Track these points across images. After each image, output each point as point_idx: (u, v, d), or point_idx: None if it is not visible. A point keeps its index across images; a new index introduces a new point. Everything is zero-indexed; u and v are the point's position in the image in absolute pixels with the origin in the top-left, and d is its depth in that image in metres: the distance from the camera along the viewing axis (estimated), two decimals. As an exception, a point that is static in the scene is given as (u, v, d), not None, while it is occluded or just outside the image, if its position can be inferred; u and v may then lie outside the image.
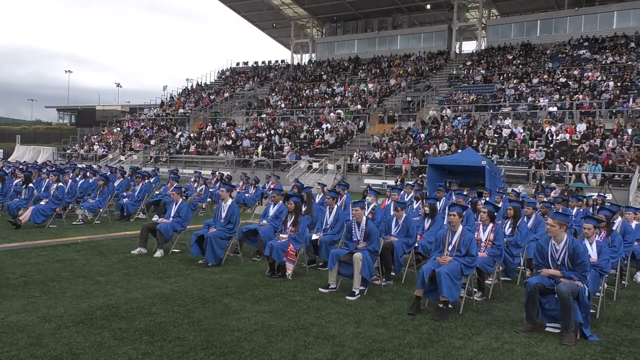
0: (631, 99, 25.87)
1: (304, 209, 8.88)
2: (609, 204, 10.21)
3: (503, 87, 31.75)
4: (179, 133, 37.91)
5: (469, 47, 47.18)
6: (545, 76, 31.70)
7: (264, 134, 33.70)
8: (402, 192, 12.64)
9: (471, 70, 36.05)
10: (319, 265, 8.73)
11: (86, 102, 77.34)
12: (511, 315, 6.38)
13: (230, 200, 9.05)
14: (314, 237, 8.61)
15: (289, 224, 8.25)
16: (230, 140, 33.72)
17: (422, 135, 27.81)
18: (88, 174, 15.70)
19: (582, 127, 24.34)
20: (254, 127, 35.64)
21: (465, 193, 12.41)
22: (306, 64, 49.19)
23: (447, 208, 8.14)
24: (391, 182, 22.13)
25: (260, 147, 31.43)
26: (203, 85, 48.97)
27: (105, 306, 6.03)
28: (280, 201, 9.68)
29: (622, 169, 20.55)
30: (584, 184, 20.34)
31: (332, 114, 34.08)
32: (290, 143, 31.05)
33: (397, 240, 8.10)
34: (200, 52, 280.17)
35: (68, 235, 10.69)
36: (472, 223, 9.22)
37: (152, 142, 37.48)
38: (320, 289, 7.14)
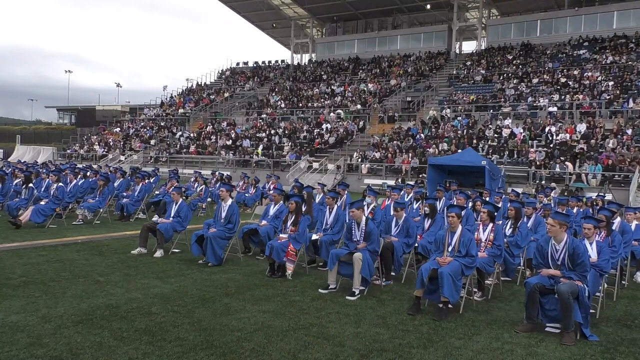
0: (631, 99, 25.87)
1: (304, 209, 8.88)
2: (608, 204, 10.20)
3: (503, 87, 31.75)
4: (179, 133, 37.90)
5: (469, 47, 47.32)
6: (545, 76, 31.70)
7: (264, 134, 33.71)
8: (402, 192, 12.65)
9: (471, 70, 36.06)
10: (319, 265, 8.73)
11: (86, 102, 77.40)
12: (511, 315, 6.38)
13: (230, 200, 9.05)
14: (314, 237, 8.61)
15: (289, 223, 8.25)
16: (230, 140, 33.72)
17: (422, 135, 27.81)
18: (88, 173, 15.71)
19: (582, 127, 24.34)
20: (254, 127, 35.65)
21: (468, 193, 12.40)
22: (306, 64, 49.20)
23: (445, 209, 8.15)
24: (391, 182, 22.14)
25: (260, 147, 31.44)
26: (203, 85, 48.97)
27: (105, 306, 6.03)
28: (281, 201, 9.68)
29: (622, 169, 20.55)
30: (584, 184, 20.35)
31: (332, 114, 34.08)
32: (290, 143, 31.06)
33: (397, 240, 8.10)
34: (200, 52, 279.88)
35: (68, 235, 10.68)
36: (472, 223, 9.22)
37: (152, 142, 37.48)
38: (320, 290, 7.14)
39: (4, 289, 6.55)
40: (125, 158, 34.75)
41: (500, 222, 8.42)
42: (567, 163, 21.55)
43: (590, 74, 30.06)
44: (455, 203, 9.71)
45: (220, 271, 8.07)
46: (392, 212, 8.69)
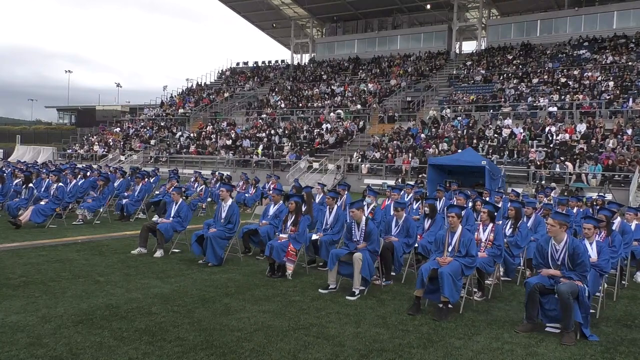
0: (631, 99, 25.87)
1: (304, 208, 8.88)
2: (608, 204, 10.20)
3: (503, 87, 31.75)
4: (179, 133, 37.90)
5: (469, 47, 47.33)
6: (545, 76, 31.70)
7: (264, 134, 33.71)
8: (402, 192, 12.65)
9: (471, 70, 36.06)
10: (319, 265, 8.73)
11: (86, 102, 77.42)
12: (511, 315, 6.38)
13: (230, 200, 9.05)
14: (314, 237, 8.61)
15: (289, 223, 8.25)
16: (230, 140, 33.72)
17: (422, 135, 27.81)
18: (88, 173, 15.71)
19: (582, 127, 24.34)
20: (254, 127, 35.65)
21: (468, 193, 12.39)
22: (306, 64, 49.20)
23: (445, 209, 8.14)
24: (391, 182, 22.14)
25: (260, 147, 31.44)
26: (203, 85, 48.97)
27: (105, 306, 6.03)
28: (280, 201, 9.68)
29: (622, 169, 20.55)
30: (584, 184, 20.35)
31: (332, 114, 34.08)
32: (290, 143, 31.06)
33: (397, 240, 8.10)
34: (200, 52, 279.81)
35: (68, 235, 10.69)
36: (472, 223, 9.22)
37: (152, 142, 37.48)
38: (320, 290, 7.14)
39: (4, 289, 6.55)
40: (125, 158, 34.75)
41: (500, 222, 8.41)
42: (567, 163, 21.55)
43: (590, 74, 30.06)
44: (455, 203, 9.71)
45: (220, 271, 8.07)
46: (392, 212, 8.69)
